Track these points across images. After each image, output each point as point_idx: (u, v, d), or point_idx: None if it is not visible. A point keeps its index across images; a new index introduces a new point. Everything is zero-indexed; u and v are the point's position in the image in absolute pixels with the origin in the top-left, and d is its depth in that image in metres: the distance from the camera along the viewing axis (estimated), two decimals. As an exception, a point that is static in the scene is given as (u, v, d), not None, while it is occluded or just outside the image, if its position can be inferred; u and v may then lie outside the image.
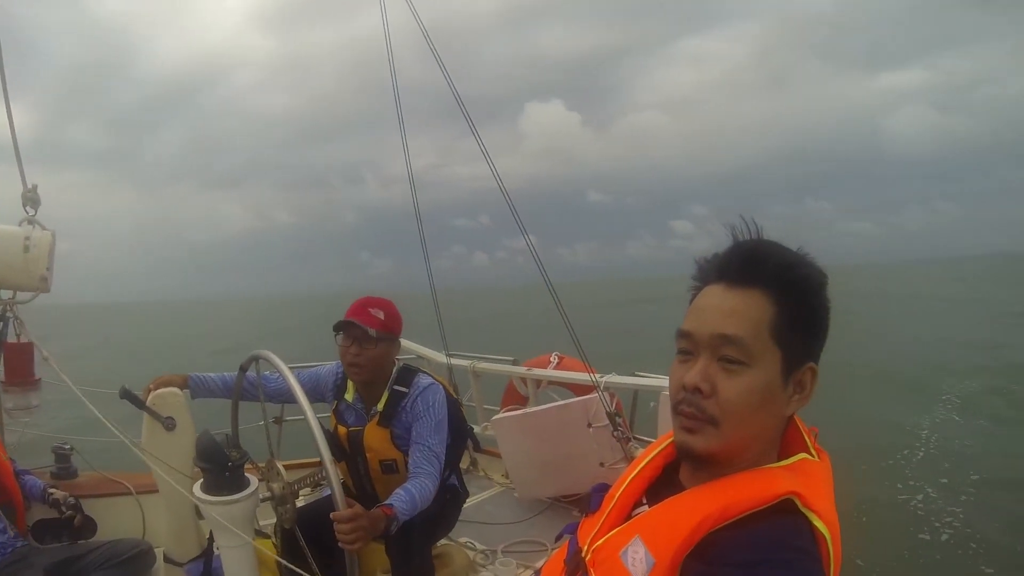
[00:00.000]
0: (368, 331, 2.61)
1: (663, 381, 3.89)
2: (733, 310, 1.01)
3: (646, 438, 4.04)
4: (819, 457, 1.08)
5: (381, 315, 2.67)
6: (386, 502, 2.29)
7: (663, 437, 1.21)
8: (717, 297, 1.04)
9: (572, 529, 1.23)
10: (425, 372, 2.86)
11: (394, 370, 2.79)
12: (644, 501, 1.13)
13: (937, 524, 6.71)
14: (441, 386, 2.81)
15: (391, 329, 2.69)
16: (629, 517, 1.10)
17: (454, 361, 5.23)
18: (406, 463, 2.65)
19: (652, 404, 4.02)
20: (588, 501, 1.21)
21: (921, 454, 9.30)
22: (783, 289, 1.01)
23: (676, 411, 1.04)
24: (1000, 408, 12.10)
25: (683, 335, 1.06)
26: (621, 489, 1.15)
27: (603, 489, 1.21)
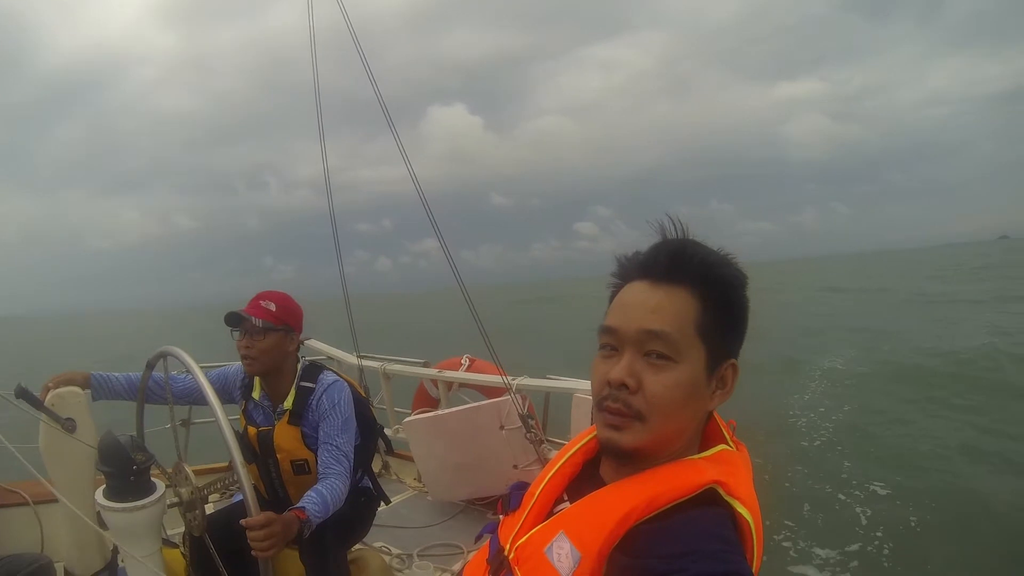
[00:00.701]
0: (254, 321, 2.55)
1: (575, 383, 3.96)
2: (659, 306, 1.01)
3: (559, 440, 4.08)
4: (738, 449, 1.11)
5: (273, 307, 2.61)
6: (297, 505, 2.24)
7: (582, 434, 1.21)
8: (642, 293, 1.04)
9: (492, 529, 1.22)
10: (330, 369, 2.82)
11: (299, 366, 2.73)
12: (565, 498, 1.13)
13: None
14: (346, 383, 2.76)
15: (283, 320, 2.62)
16: (551, 514, 1.09)
17: (365, 363, 5.15)
18: (318, 463, 2.60)
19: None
20: (507, 500, 1.20)
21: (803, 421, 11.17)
22: (707, 287, 1.02)
23: (600, 407, 1.03)
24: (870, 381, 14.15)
25: (607, 331, 1.05)
26: (541, 486, 1.15)
27: (522, 487, 1.21)
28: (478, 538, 1.31)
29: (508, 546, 1.09)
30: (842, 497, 7.73)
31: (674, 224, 1.08)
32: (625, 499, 0.96)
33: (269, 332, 2.57)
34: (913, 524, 6.87)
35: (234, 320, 2.58)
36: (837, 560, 6.20)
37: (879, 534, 6.66)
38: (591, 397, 3.44)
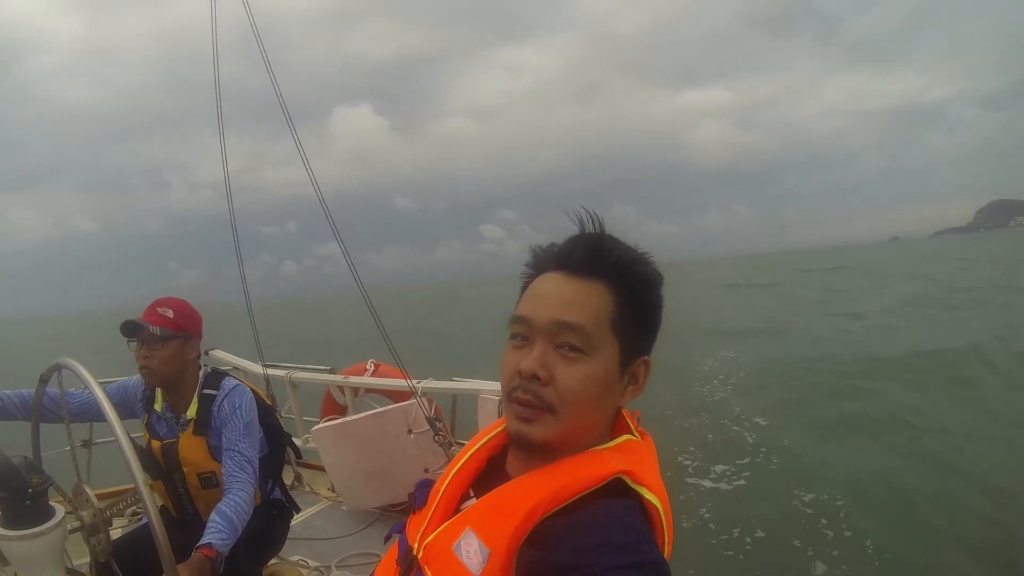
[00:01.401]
0: (151, 329, 2.48)
1: (480, 385, 4.01)
2: (574, 298, 1.01)
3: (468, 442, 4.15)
4: (642, 438, 1.11)
5: (170, 313, 2.54)
6: (203, 541, 2.16)
7: (486, 429, 1.21)
8: (557, 285, 1.03)
9: (400, 528, 1.20)
10: (232, 376, 2.76)
11: (201, 374, 2.67)
12: (472, 494, 1.12)
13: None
14: (248, 388, 2.71)
15: (182, 327, 2.56)
16: (458, 511, 1.08)
17: (270, 372, 5.06)
18: (223, 473, 2.53)
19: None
20: (413, 498, 1.19)
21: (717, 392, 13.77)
22: (623, 283, 1.03)
23: (511, 399, 1.02)
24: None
25: (519, 320, 1.05)
26: (446, 483, 1.13)
27: (427, 485, 1.19)
28: (387, 539, 1.26)
29: (416, 545, 1.07)
30: (736, 428, 10.54)
31: (592, 218, 1.08)
32: (531, 493, 0.96)
33: (168, 340, 2.51)
34: (787, 444, 9.60)
35: (130, 329, 2.51)
36: (732, 471, 8.55)
37: (763, 450, 9.33)
38: (497, 398, 3.48)
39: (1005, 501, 6.90)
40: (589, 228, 1.08)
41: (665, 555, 0.99)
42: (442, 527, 1.04)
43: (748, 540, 6.66)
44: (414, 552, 1.07)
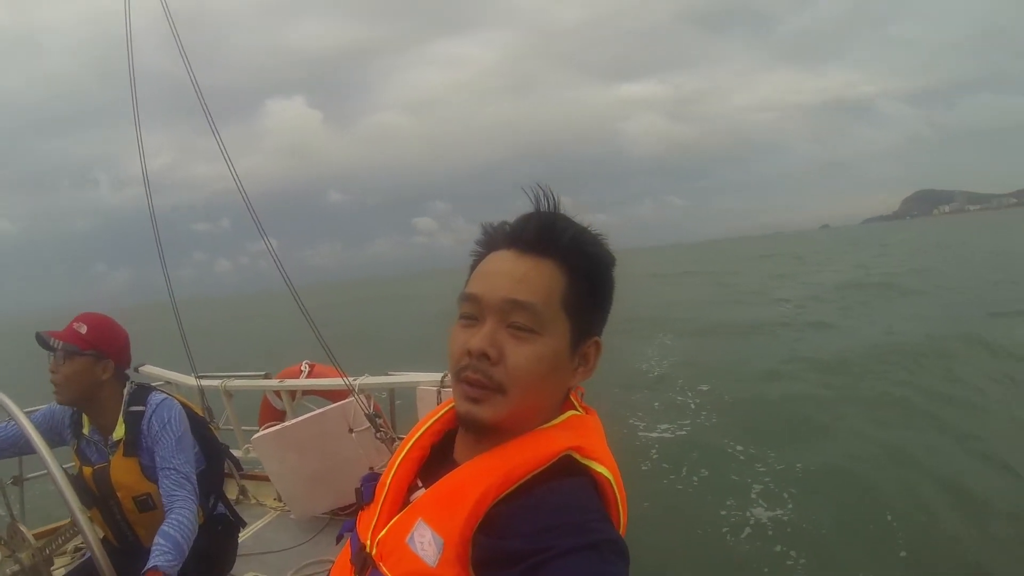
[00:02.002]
0: (52, 343, 2.41)
1: (417, 376, 4.02)
2: (525, 276, 1.00)
3: None
4: (587, 413, 1.11)
5: (83, 329, 2.45)
6: (149, 566, 2.11)
7: (426, 417, 1.20)
8: (508, 262, 1.02)
9: (351, 527, 1.17)
10: (160, 389, 2.68)
11: (126, 391, 2.57)
12: (420, 484, 1.10)
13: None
14: (176, 400, 2.65)
15: (94, 345, 2.46)
16: (407, 503, 1.07)
17: (204, 383, 4.92)
18: (161, 494, 2.45)
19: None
20: (359, 494, 1.16)
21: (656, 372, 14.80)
22: (576, 263, 1.03)
23: (459, 378, 1.01)
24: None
25: (469, 298, 1.03)
26: (391, 475, 1.12)
27: (373, 479, 1.17)
28: (339, 538, 1.24)
29: (369, 542, 1.05)
30: (680, 398, 11.67)
31: (546, 196, 1.07)
32: (480, 477, 0.96)
33: (73, 356, 2.42)
34: (727, 400, 11.17)
35: (42, 343, 2.43)
36: (676, 427, 9.80)
37: (704, 413, 10.53)
38: (435, 388, 3.51)
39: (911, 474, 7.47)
40: (544, 206, 1.07)
41: (621, 527, 1.01)
42: (393, 521, 1.03)
43: (695, 478, 7.83)
44: (367, 549, 1.05)
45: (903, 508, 6.46)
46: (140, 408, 2.53)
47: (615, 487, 1.00)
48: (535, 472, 0.96)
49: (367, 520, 1.10)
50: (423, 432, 1.16)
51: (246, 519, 3.47)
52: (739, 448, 8.59)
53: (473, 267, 1.09)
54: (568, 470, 0.98)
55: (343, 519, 4.24)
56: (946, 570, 5.45)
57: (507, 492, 0.94)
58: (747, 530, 6.41)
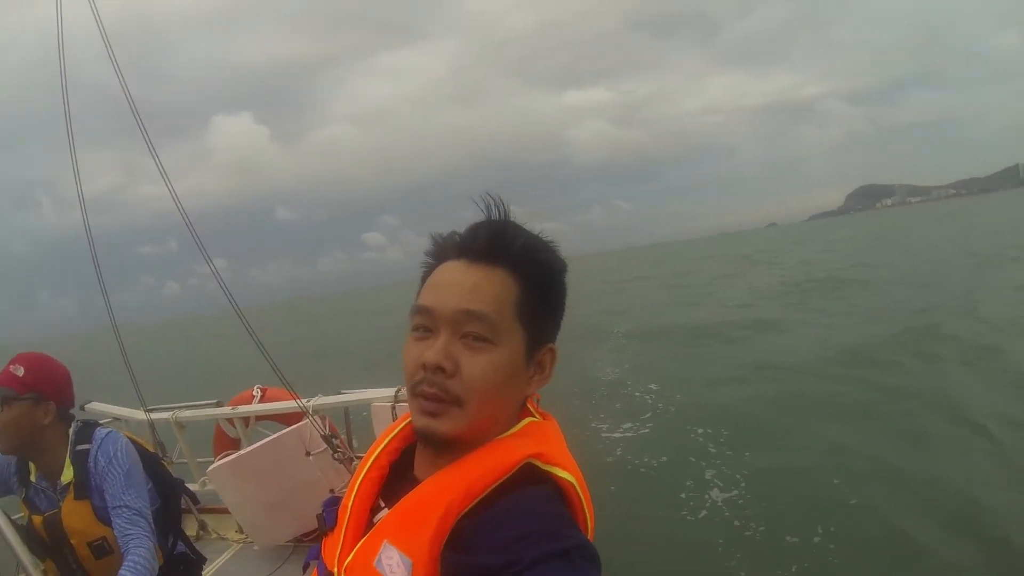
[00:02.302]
0: None
1: (371, 393, 3.95)
2: (477, 286, 0.99)
3: None
4: (544, 419, 1.11)
5: (20, 371, 2.33)
6: None
7: (382, 435, 1.19)
8: (459, 272, 1.02)
9: (316, 554, 1.16)
10: (102, 425, 2.56)
11: (71, 431, 2.45)
12: (382, 504, 1.08)
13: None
14: (121, 434, 2.54)
15: (33, 387, 2.33)
16: (371, 524, 1.05)
17: (155, 415, 4.74)
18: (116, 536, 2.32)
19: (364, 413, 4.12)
20: (322, 519, 1.15)
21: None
22: (528, 271, 1.02)
23: (415, 393, 1.00)
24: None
25: (421, 311, 1.02)
26: (352, 497, 1.10)
27: (334, 503, 1.15)
28: (305, 567, 1.21)
29: (336, 568, 1.03)
30: (637, 394, 12.27)
31: (496, 204, 1.06)
32: (442, 493, 0.94)
33: (11, 402, 2.28)
34: (679, 398, 11.54)
35: None
36: (638, 424, 10.18)
37: (660, 406, 11.14)
38: (390, 404, 3.47)
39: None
40: (494, 215, 1.06)
41: (588, 531, 1.01)
42: (359, 545, 1.00)
43: (655, 464, 8.46)
44: None
45: (841, 491, 6.94)
46: (86, 446, 2.41)
47: (579, 491, 1.00)
48: (497, 483, 0.95)
49: (332, 546, 1.08)
50: (381, 451, 1.15)
51: (208, 554, 3.36)
52: (697, 440, 9.14)
53: (424, 278, 1.08)
54: (530, 478, 0.97)
55: (308, 545, 4.10)
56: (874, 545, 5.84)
57: (471, 506, 0.93)
58: (703, 512, 6.94)
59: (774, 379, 12.24)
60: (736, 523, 6.52)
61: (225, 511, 4.49)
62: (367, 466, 1.13)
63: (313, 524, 3.95)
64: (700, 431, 9.36)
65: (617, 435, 9.76)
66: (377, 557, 0.94)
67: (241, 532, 4.52)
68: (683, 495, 7.35)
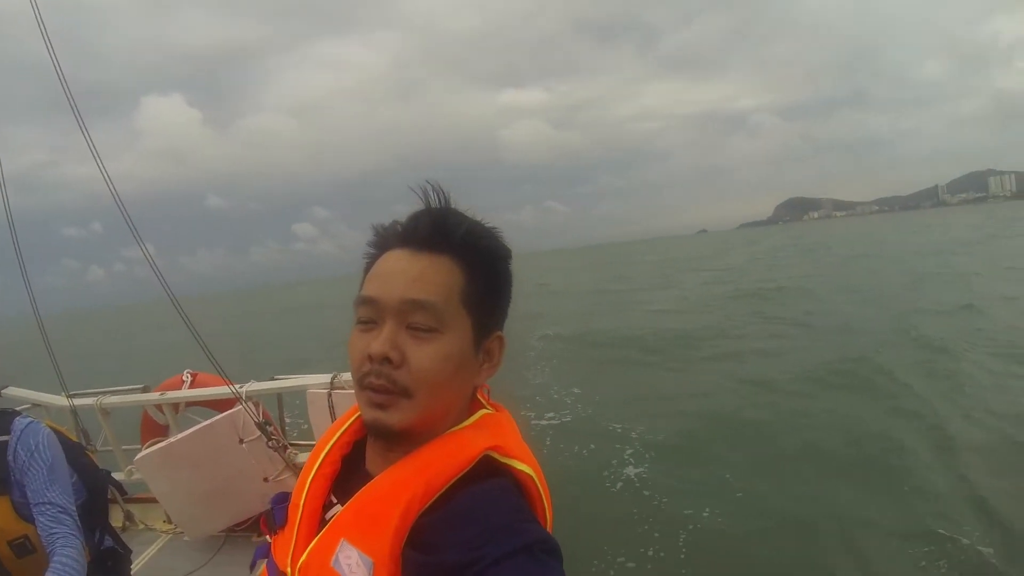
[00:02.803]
0: None
1: (306, 380, 3.89)
2: (421, 274, 0.97)
3: (303, 442, 4.00)
4: (497, 411, 1.11)
5: None
6: None
7: (333, 427, 1.16)
8: (403, 261, 1.00)
9: (264, 553, 1.14)
10: (22, 415, 2.40)
11: None
12: (335, 500, 1.05)
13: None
14: (43, 424, 2.39)
15: None
16: (324, 522, 1.02)
17: (77, 402, 4.54)
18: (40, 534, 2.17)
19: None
20: (271, 517, 1.12)
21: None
22: (472, 258, 1.01)
23: (363, 385, 0.97)
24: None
25: (365, 301, 0.99)
26: (304, 494, 1.07)
27: (284, 500, 1.12)
28: (252, 566, 1.22)
29: (290, 569, 1.01)
30: (555, 395, 12.76)
31: (436, 192, 1.04)
32: (401, 488, 0.93)
33: None
34: (597, 399, 12.18)
35: None
36: (561, 414, 11.29)
37: (579, 405, 11.84)
38: (325, 391, 3.40)
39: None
40: (434, 203, 1.04)
41: (547, 523, 1.01)
42: (313, 543, 0.98)
43: (585, 451, 9.26)
44: None
45: (730, 470, 8.04)
46: (5, 438, 2.26)
47: (538, 483, 1.00)
48: (457, 477, 0.94)
49: (283, 545, 1.06)
50: (332, 445, 1.11)
51: (135, 546, 3.27)
52: (617, 429, 10.17)
53: (367, 269, 1.05)
54: (488, 471, 0.96)
55: (241, 536, 4.10)
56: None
57: (431, 502, 0.92)
58: (620, 484, 8.00)
59: (676, 369, 13.96)
60: (646, 493, 7.63)
61: (152, 500, 4.35)
62: (319, 461, 1.10)
63: (245, 514, 3.87)
64: (619, 425, 10.26)
65: (544, 423, 10.73)
66: (334, 557, 0.92)
67: (170, 522, 4.40)
68: (605, 472, 8.35)
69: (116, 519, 4.24)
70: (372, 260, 1.06)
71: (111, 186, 3.51)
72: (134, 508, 4.55)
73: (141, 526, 4.50)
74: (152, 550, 4.21)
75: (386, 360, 0.94)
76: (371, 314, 0.99)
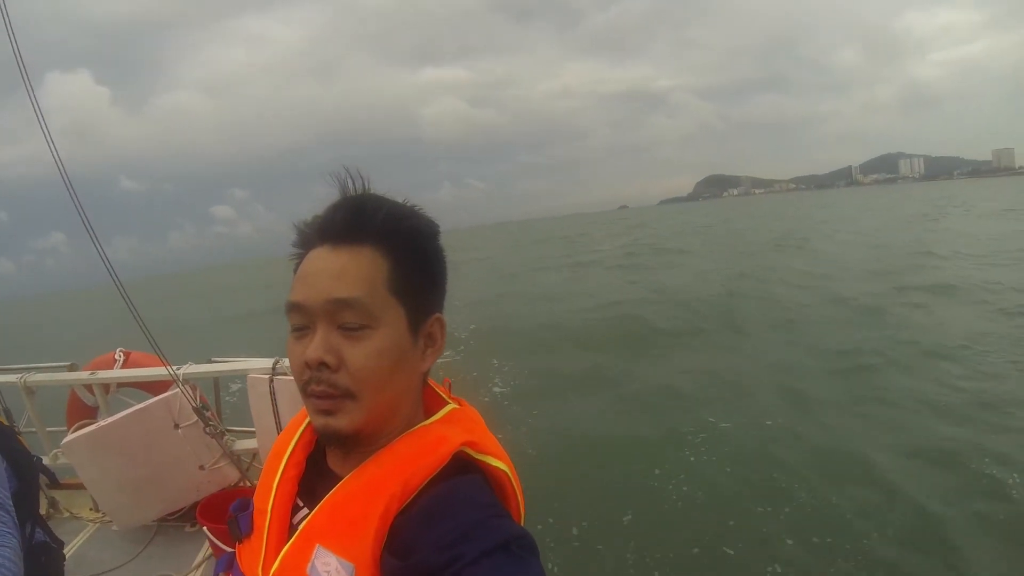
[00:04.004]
0: None
1: (247, 363, 3.78)
2: (343, 271, 0.95)
3: (240, 429, 3.89)
4: (462, 406, 1.10)
5: None
6: None
7: (291, 426, 1.15)
8: (323, 260, 0.97)
9: (227, 564, 1.12)
10: None
11: None
12: (301, 504, 1.04)
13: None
14: None
15: None
16: (292, 527, 1.01)
17: (0, 378, 4.36)
18: None
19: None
20: (235, 526, 1.09)
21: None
22: (394, 242, 0.99)
23: (306, 393, 0.96)
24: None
25: (293, 308, 0.98)
26: (271, 499, 1.05)
27: (245, 507, 1.11)
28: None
29: None
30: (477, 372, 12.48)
31: (353, 179, 1.02)
32: (377, 488, 0.92)
33: None
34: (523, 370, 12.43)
35: None
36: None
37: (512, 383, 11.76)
38: (267, 376, 3.32)
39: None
40: (351, 190, 1.02)
41: (520, 519, 1.01)
42: (285, 551, 0.96)
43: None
44: None
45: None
46: None
47: (512, 479, 1.01)
48: (433, 475, 0.93)
49: (251, 553, 1.04)
50: (295, 446, 1.10)
51: (62, 535, 3.01)
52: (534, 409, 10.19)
53: (295, 271, 1.03)
54: (459, 468, 0.96)
55: (173, 526, 3.97)
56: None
57: (408, 501, 0.92)
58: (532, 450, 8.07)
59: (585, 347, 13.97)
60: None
61: (79, 486, 4.17)
62: (283, 463, 1.08)
63: (179, 503, 3.74)
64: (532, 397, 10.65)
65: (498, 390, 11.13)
66: (310, 563, 0.90)
67: (97, 510, 4.24)
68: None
69: (40, 507, 4.01)
70: (299, 260, 1.03)
71: (63, 171, 3.30)
72: (58, 495, 4.38)
73: (66, 514, 4.33)
74: (79, 540, 4.04)
75: (323, 365, 0.93)
76: (302, 320, 0.97)
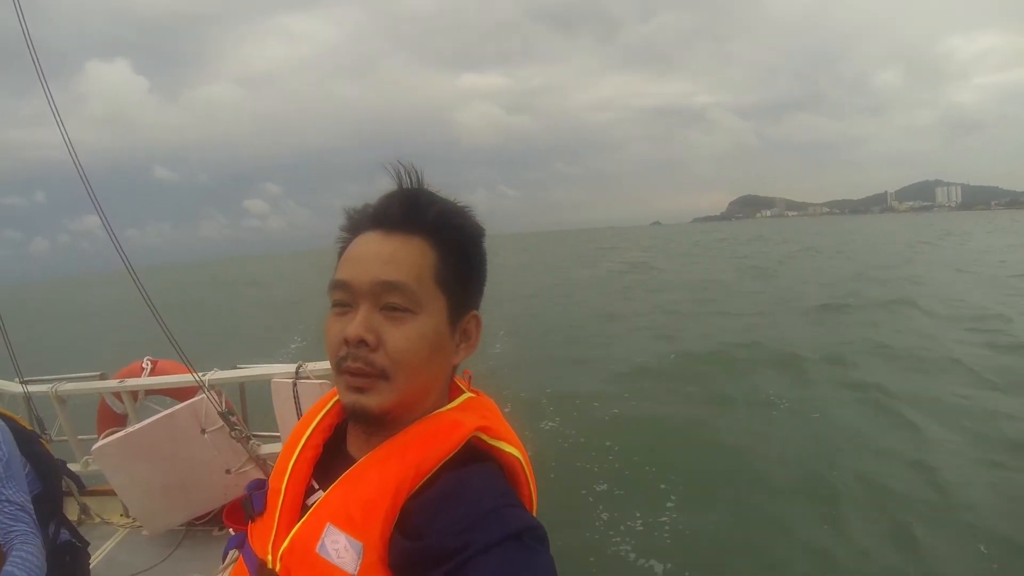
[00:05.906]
0: None
1: (271, 368, 3.89)
2: (393, 256, 1.00)
3: (266, 433, 3.99)
4: (478, 396, 1.13)
5: None
6: None
7: (311, 411, 1.18)
8: (375, 244, 1.02)
9: (239, 542, 1.13)
10: None
11: None
12: (316, 486, 1.07)
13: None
14: None
15: None
16: (305, 508, 1.03)
17: (32, 388, 4.50)
18: None
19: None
20: (248, 504, 1.12)
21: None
22: (444, 237, 1.03)
23: (340, 369, 0.99)
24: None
25: (339, 285, 1.01)
26: (285, 479, 1.08)
27: (260, 486, 1.13)
28: (224, 556, 1.20)
29: (271, 557, 1.00)
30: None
31: (408, 172, 1.07)
32: (390, 470, 0.95)
33: None
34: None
35: None
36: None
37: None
38: (290, 380, 3.43)
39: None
40: (406, 183, 1.07)
41: (532, 507, 1.03)
42: (296, 529, 0.98)
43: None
44: (269, 565, 1.00)
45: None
46: None
47: (525, 467, 1.03)
48: (446, 460, 0.96)
49: (262, 533, 1.06)
50: (313, 429, 1.13)
51: (92, 540, 3.19)
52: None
53: (340, 253, 1.08)
54: (474, 455, 0.99)
55: (201, 530, 4.09)
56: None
57: (421, 483, 0.94)
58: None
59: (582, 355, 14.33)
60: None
61: (109, 493, 4.34)
62: (300, 445, 1.12)
63: (207, 507, 3.84)
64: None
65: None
66: (320, 542, 0.93)
67: (127, 515, 4.40)
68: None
69: (72, 512, 4.21)
70: (345, 244, 1.08)
71: (73, 154, 3.48)
72: (90, 501, 4.53)
73: (97, 520, 4.48)
74: (109, 545, 4.19)
75: (362, 343, 0.96)
76: (345, 298, 1.01)
